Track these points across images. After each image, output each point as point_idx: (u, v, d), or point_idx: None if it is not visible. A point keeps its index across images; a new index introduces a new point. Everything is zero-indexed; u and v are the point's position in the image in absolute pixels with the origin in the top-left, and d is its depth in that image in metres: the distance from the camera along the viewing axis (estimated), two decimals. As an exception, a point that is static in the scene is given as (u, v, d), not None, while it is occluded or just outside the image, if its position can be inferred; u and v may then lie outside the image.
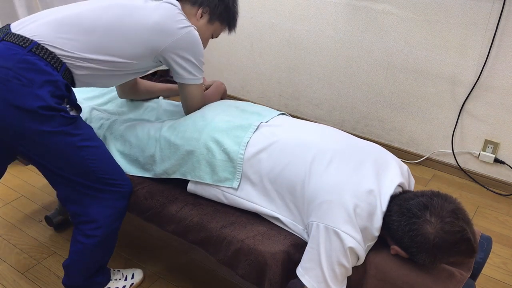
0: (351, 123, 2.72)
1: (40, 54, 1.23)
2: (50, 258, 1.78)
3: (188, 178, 1.40)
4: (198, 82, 1.49)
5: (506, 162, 2.29)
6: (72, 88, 1.36)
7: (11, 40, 1.23)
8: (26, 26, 1.27)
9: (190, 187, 1.43)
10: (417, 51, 2.32)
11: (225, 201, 1.38)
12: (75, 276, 1.44)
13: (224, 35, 2.98)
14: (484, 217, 2.14)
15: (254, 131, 1.38)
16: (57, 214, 1.93)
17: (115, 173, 1.41)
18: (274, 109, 1.58)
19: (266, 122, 1.43)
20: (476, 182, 2.40)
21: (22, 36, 1.24)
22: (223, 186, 1.36)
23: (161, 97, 1.82)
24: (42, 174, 1.37)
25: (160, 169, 1.45)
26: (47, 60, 1.24)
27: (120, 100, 1.82)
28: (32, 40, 1.24)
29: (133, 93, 1.77)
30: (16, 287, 1.65)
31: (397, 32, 2.35)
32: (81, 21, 1.31)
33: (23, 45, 1.22)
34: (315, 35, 2.63)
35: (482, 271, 1.35)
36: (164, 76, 3.43)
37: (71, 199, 1.38)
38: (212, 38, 1.60)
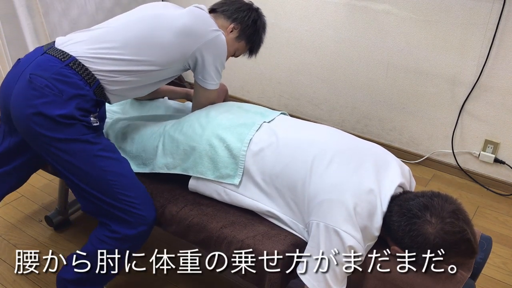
0: (351, 123, 2.72)
1: (76, 69, 1.31)
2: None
3: (190, 174, 1.41)
4: (216, 88, 1.54)
5: (506, 162, 2.29)
6: (102, 104, 1.40)
7: (53, 54, 1.33)
8: (69, 44, 1.36)
9: (192, 182, 1.43)
10: (417, 51, 2.32)
11: (226, 198, 1.38)
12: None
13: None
14: (484, 217, 2.14)
15: (257, 130, 1.39)
16: (57, 214, 1.94)
17: (134, 191, 1.36)
18: (274, 109, 1.59)
19: (269, 122, 1.44)
20: (476, 182, 2.40)
21: (63, 51, 1.33)
22: (225, 183, 1.37)
23: (166, 97, 1.83)
24: (69, 187, 1.41)
25: (161, 163, 1.44)
26: (82, 75, 1.31)
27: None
28: (70, 55, 1.32)
29: None
30: (16, 287, 1.65)
31: (397, 32, 2.35)
32: (115, 37, 1.38)
33: (62, 59, 1.31)
34: (315, 35, 2.63)
35: (482, 271, 1.35)
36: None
37: (94, 213, 1.39)
38: (233, 55, 1.63)
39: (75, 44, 1.36)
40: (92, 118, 1.34)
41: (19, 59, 1.40)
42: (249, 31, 1.57)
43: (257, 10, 1.62)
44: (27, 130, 1.32)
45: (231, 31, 1.55)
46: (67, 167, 1.34)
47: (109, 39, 1.37)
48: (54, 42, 1.40)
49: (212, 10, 1.58)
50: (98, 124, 1.37)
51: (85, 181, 1.34)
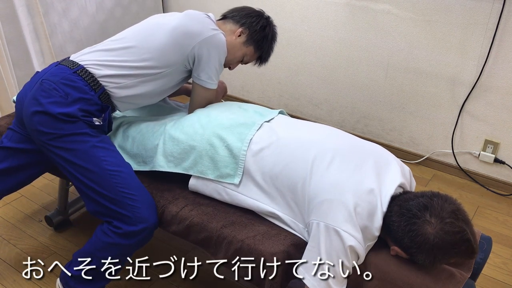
0: (351, 123, 2.72)
1: (83, 76, 1.42)
2: (50, 258, 1.78)
3: (190, 173, 1.41)
4: (214, 88, 1.55)
5: (506, 162, 2.29)
6: (107, 109, 1.46)
7: (64, 64, 1.46)
8: (79, 56, 1.49)
9: (192, 182, 1.43)
10: (417, 51, 2.32)
11: (226, 197, 1.38)
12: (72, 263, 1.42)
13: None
14: (484, 217, 2.14)
15: (258, 129, 1.39)
16: (57, 214, 1.94)
17: (135, 189, 1.38)
18: (274, 109, 1.59)
19: (269, 121, 1.44)
20: (476, 182, 2.40)
21: (73, 61, 1.46)
22: (225, 182, 1.37)
23: (166, 97, 1.83)
24: (74, 186, 1.46)
25: (161, 161, 1.44)
26: (88, 81, 1.42)
27: None
28: (79, 64, 1.44)
29: None
30: (16, 287, 1.65)
31: (397, 32, 2.35)
32: (117, 46, 1.48)
33: (71, 67, 1.43)
34: (315, 35, 2.63)
35: (482, 271, 1.35)
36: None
37: (97, 212, 1.40)
38: (242, 62, 1.66)
39: (84, 55, 1.48)
40: (94, 119, 1.41)
41: (38, 71, 1.51)
42: (257, 37, 1.59)
43: (267, 18, 1.64)
44: (32, 128, 1.40)
45: (239, 35, 1.58)
46: (67, 163, 1.38)
47: (112, 48, 1.48)
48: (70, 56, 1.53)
49: (223, 17, 1.63)
50: (100, 123, 1.42)
51: (85, 175, 1.37)
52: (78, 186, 1.41)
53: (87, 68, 1.43)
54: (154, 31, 1.48)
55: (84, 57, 1.47)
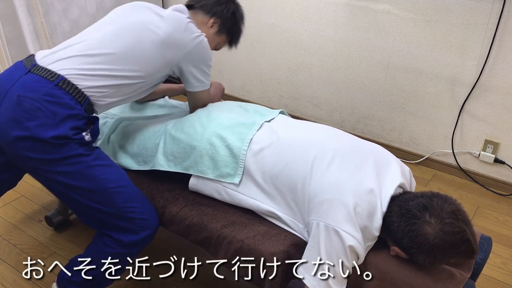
0: (351, 123, 2.72)
1: (66, 89, 1.27)
2: (50, 258, 1.78)
3: (190, 172, 1.41)
4: (206, 88, 1.54)
5: (506, 162, 2.29)
6: (95, 120, 1.37)
7: (39, 73, 1.27)
8: (54, 62, 1.30)
9: (192, 181, 1.43)
10: (417, 51, 2.32)
11: (226, 197, 1.39)
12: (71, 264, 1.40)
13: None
14: (484, 217, 2.14)
15: (258, 129, 1.39)
16: (57, 214, 1.94)
17: (134, 199, 1.35)
18: (274, 109, 1.60)
19: (269, 121, 1.44)
20: (476, 182, 2.40)
21: (50, 70, 1.28)
22: (225, 182, 1.37)
23: (166, 97, 1.84)
24: (69, 206, 1.37)
25: (161, 160, 1.45)
26: (72, 94, 1.27)
27: None
28: (59, 75, 1.27)
29: None
30: (16, 287, 1.65)
31: (397, 32, 2.35)
32: (100, 51, 1.33)
33: (51, 79, 1.26)
34: (315, 35, 2.63)
35: (482, 271, 1.35)
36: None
37: (96, 226, 1.38)
38: (214, 49, 1.63)
39: (61, 61, 1.31)
40: (84, 134, 1.31)
41: None
42: (228, 24, 1.58)
43: (234, 1, 1.61)
44: (15, 154, 1.27)
45: (211, 26, 1.55)
46: (63, 187, 1.30)
47: (95, 54, 1.33)
48: (34, 57, 1.34)
49: (189, 6, 1.54)
50: (90, 139, 1.34)
51: (84, 195, 1.30)
52: (74, 206, 1.36)
53: (69, 79, 1.27)
54: (139, 39, 1.36)
55: (60, 65, 1.30)
